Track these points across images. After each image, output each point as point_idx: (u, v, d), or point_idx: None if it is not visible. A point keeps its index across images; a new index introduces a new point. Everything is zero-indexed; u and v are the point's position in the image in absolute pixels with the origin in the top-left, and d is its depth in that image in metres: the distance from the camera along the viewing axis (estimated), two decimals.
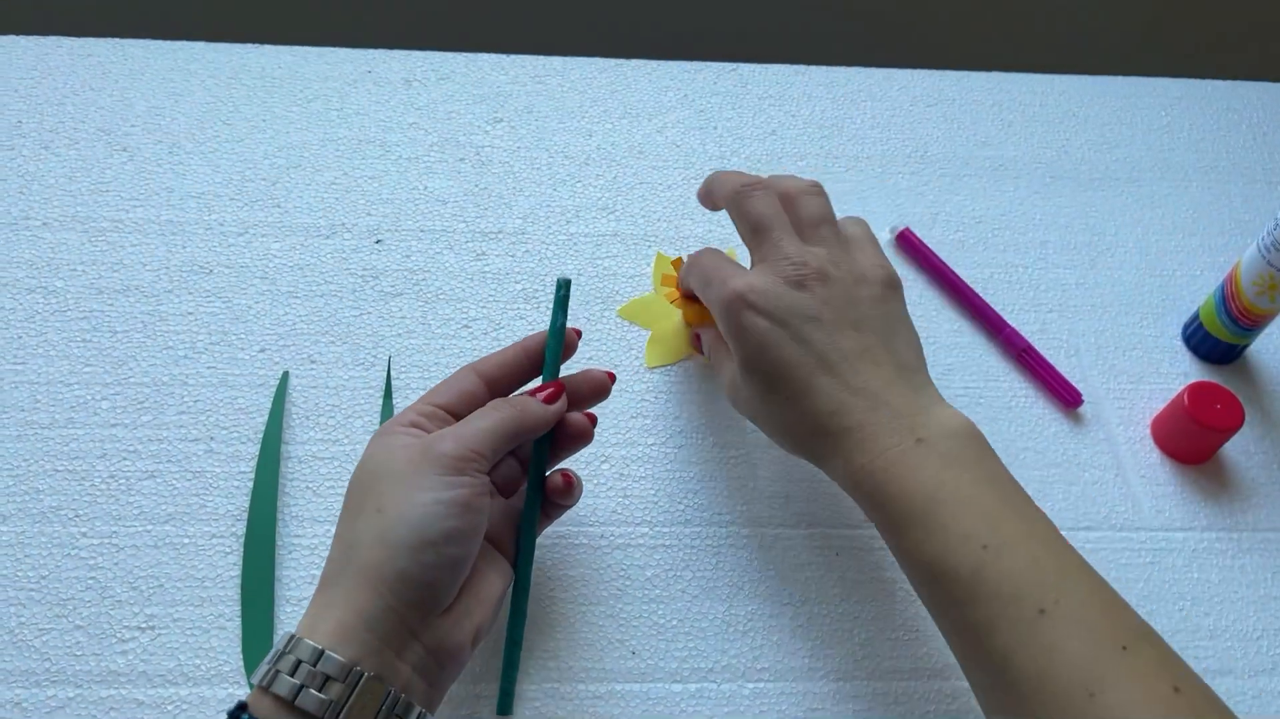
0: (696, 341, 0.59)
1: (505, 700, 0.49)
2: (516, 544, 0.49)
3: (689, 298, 0.57)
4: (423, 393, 0.58)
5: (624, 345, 0.61)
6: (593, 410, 0.52)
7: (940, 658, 0.53)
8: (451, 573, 0.42)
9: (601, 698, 0.50)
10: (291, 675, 0.39)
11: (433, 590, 0.42)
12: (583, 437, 0.51)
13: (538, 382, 0.50)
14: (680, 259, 0.57)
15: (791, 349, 0.47)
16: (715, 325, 0.53)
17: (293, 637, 0.40)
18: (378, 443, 0.45)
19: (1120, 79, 0.78)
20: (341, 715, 0.39)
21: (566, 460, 0.52)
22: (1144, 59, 0.86)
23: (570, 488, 0.50)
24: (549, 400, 0.48)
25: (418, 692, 0.41)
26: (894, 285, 0.50)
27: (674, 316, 0.62)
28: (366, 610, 0.40)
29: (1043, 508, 0.57)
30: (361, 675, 0.39)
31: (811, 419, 0.47)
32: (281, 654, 0.39)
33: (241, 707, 0.39)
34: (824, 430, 0.47)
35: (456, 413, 0.47)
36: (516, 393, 0.50)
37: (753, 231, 0.50)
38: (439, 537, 0.42)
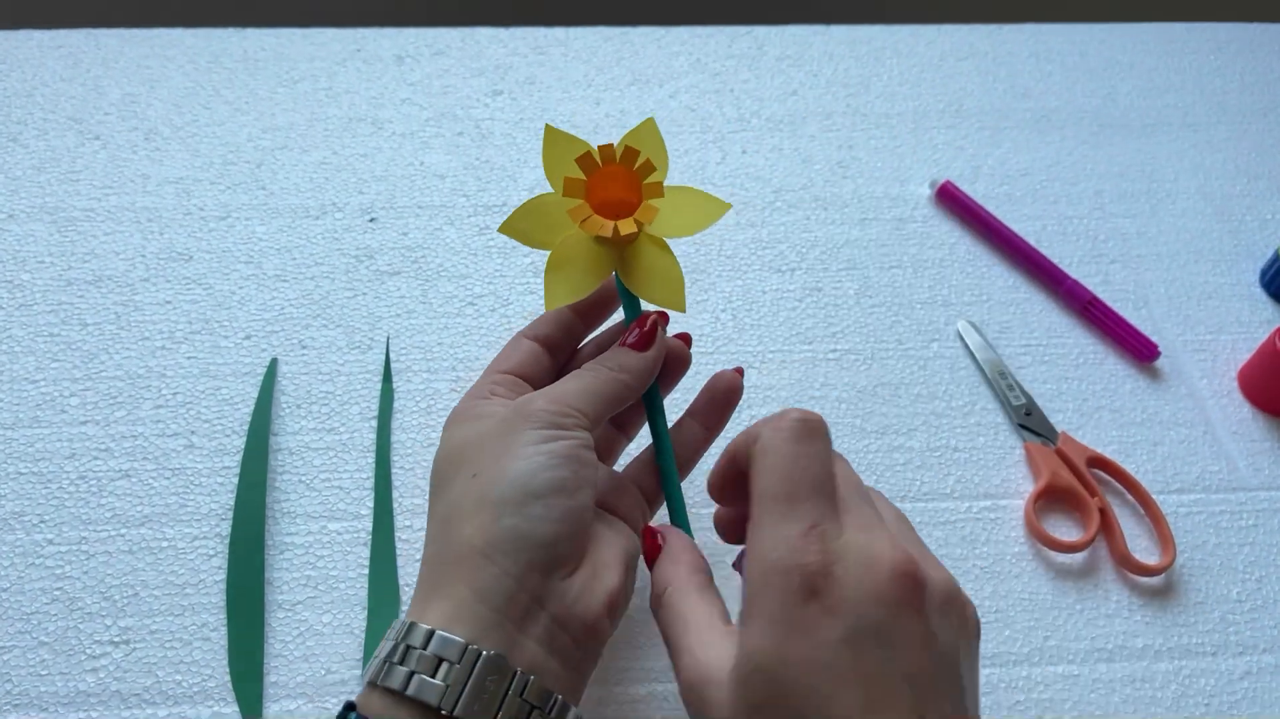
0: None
1: None
2: (637, 506, 0.42)
3: (604, 208, 0.40)
4: (426, 375, 0.53)
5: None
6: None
7: (1026, 642, 0.46)
8: (565, 525, 0.36)
9: (642, 700, 0.44)
10: (402, 664, 0.33)
11: (549, 548, 0.35)
12: (681, 362, 0.44)
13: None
14: (590, 154, 0.39)
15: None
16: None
17: (404, 623, 0.34)
18: (459, 418, 0.40)
19: (1162, 25, 0.73)
20: (460, 702, 0.32)
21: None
22: (1179, 5, 0.81)
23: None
24: (643, 345, 0.40)
25: (551, 674, 0.35)
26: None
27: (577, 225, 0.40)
28: (477, 581, 0.34)
29: (1127, 469, 0.51)
30: (480, 654, 0.33)
31: None
32: (394, 646, 0.34)
33: (349, 706, 0.33)
34: None
35: (530, 378, 0.42)
36: (590, 339, 0.45)
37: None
38: (544, 488, 0.35)
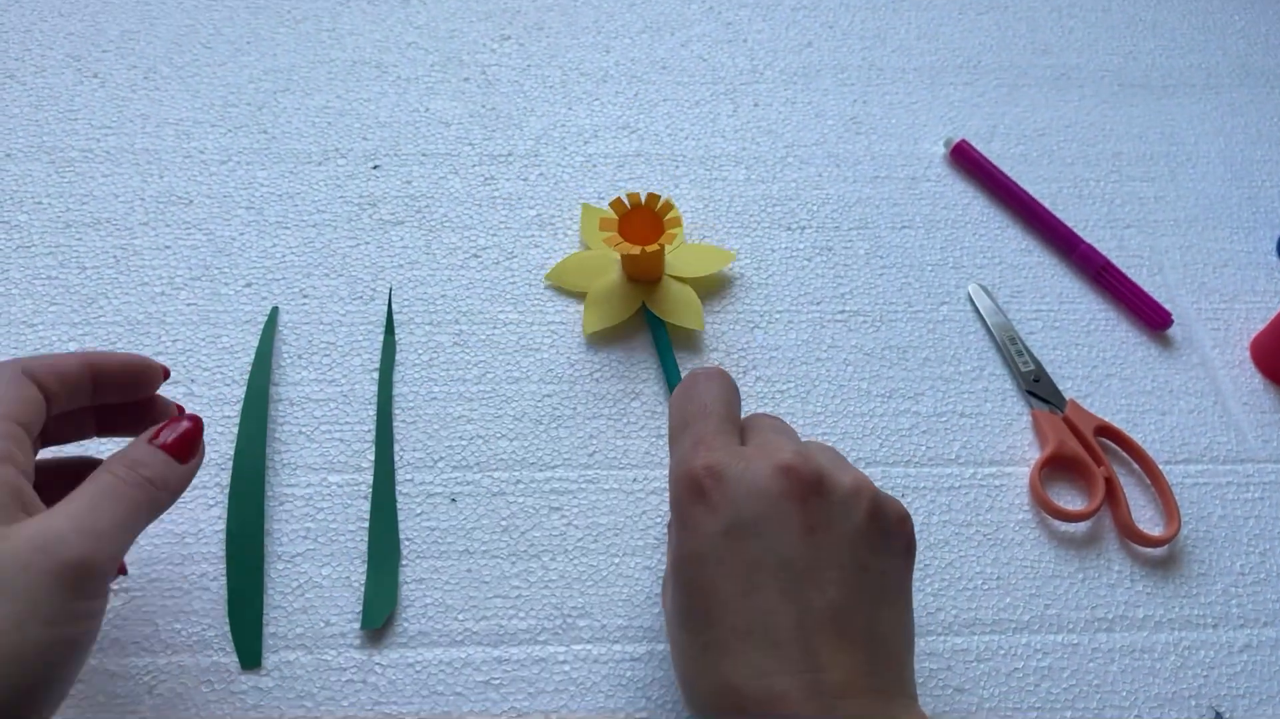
0: None
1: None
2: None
3: (634, 236, 0.50)
4: (429, 327, 0.52)
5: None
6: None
7: (1028, 609, 0.46)
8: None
9: (640, 659, 0.44)
10: None
11: None
12: (151, 377, 0.39)
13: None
14: (620, 200, 0.50)
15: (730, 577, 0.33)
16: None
17: None
18: None
19: None
20: None
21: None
22: None
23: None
24: (183, 452, 0.35)
25: None
26: (906, 527, 0.36)
27: (611, 273, 0.53)
28: None
29: (1135, 439, 0.51)
30: None
31: (731, 692, 0.32)
32: None
33: None
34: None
35: (29, 428, 0.34)
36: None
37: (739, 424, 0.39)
38: (57, 685, 0.30)
